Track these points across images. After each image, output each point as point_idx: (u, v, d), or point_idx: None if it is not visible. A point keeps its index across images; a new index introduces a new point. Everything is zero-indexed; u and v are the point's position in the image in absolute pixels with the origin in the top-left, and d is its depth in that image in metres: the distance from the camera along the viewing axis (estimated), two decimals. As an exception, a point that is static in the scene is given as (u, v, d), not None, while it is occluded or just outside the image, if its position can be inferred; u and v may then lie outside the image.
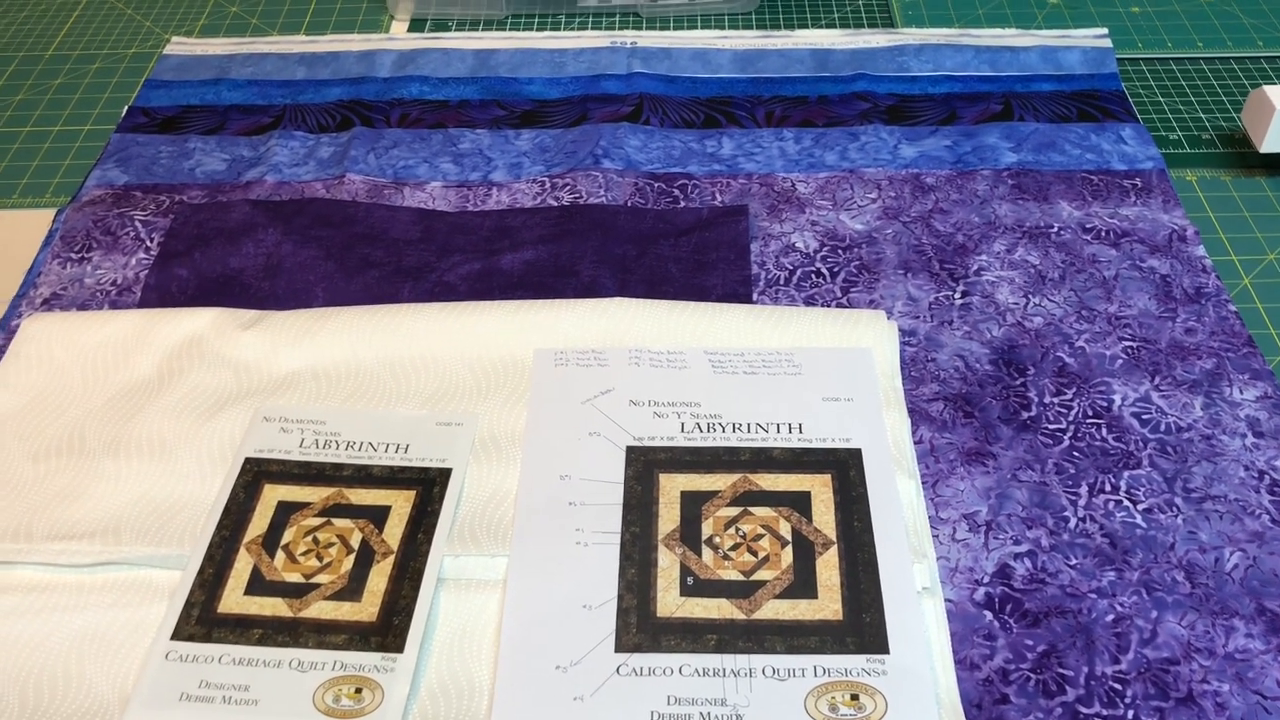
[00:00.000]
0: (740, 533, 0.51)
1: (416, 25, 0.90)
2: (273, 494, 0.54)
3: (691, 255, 0.67)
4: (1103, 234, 0.68)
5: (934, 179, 0.72)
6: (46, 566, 0.51)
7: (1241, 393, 0.59)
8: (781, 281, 0.66)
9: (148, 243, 0.69)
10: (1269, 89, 0.71)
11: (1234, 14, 0.88)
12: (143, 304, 0.65)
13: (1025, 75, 0.81)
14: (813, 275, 0.66)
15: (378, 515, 0.53)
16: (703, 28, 0.89)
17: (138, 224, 0.70)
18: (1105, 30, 0.85)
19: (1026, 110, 0.77)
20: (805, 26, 0.89)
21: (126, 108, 0.81)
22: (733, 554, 0.50)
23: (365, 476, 0.54)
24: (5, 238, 0.71)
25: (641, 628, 0.48)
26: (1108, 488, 0.55)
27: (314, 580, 0.50)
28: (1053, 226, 0.68)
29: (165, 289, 0.66)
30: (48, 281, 0.67)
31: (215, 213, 0.70)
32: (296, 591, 0.50)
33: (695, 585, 0.49)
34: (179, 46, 0.87)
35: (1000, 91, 0.79)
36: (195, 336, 0.61)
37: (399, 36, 0.87)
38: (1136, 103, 0.79)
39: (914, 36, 0.85)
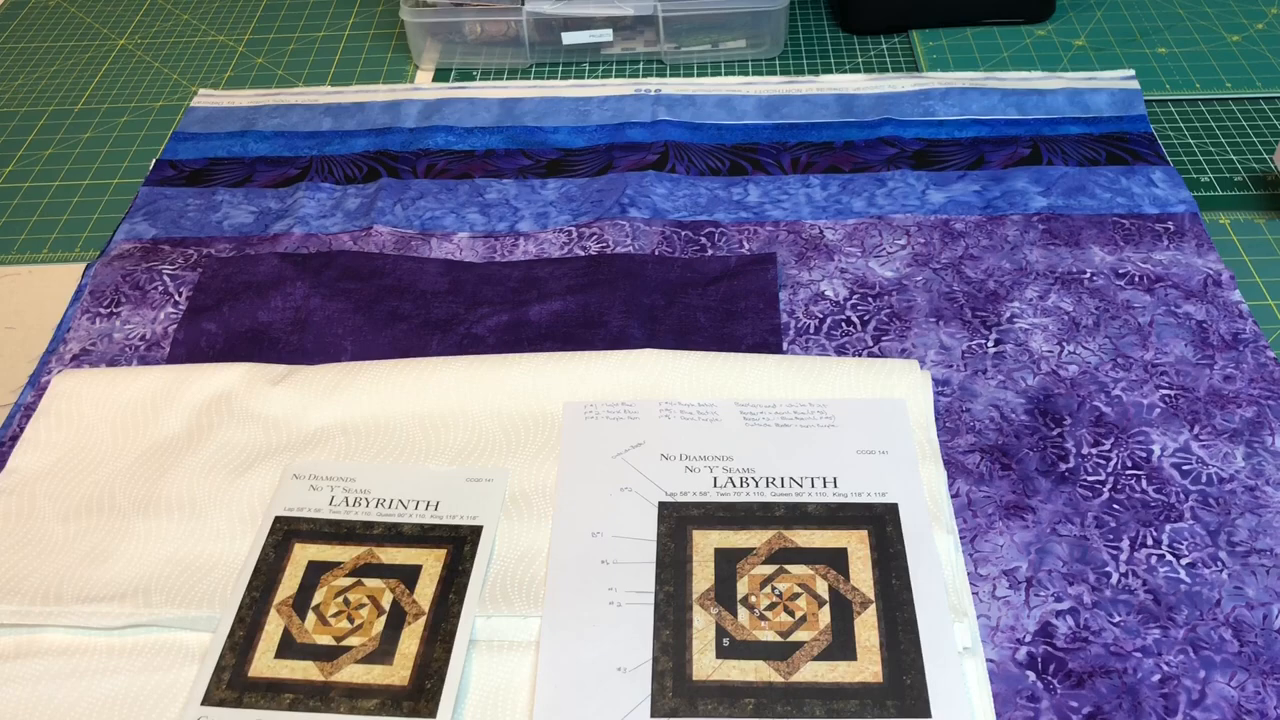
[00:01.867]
0: (776, 592, 0.50)
1: (441, 75, 0.90)
2: (303, 553, 0.53)
3: (720, 304, 0.67)
4: (1136, 279, 0.67)
5: (963, 224, 0.71)
6: (76, 629, 0.51)
7: (1284, 442, 0.58)
8: (812, 330, 0.65)
9: (176, 297, 0.69)
10: (1302, 131, 0.70)
11: (1262, 54, 0.87)
12: (171, 358, 0.65)
13: (1052, 118, 0.80)
14: (843, 323, 0.65)
15: (408, 575, 0.52)
16: (726, 74, 0.89)
17: (166, 278, 0.70)
18: (1132, 72, 0.84)
19: (1055, 154, 0.77)
20: (829, 72, 0.89)
21: (154, 161, 0.81)
22: (769, 614, 0.50)
23: (396, 535, 0.54)
24: (36, 293, 0.71)
25: (678, 691, 0.47)
26: (1149, 541, 0.53)
27: (345, 643, 0.49)
28: (1085, 272, 0.67)
29: (194, 343, 0.66)
30: (77, 337, 0.67)
31: (243, 266, 0.70)
32: (328, 654, 0.49)
33: (731, 647, 0.48)
34: (205, 99, 0.88)
35: (1028, 135, 0.79)
36: (224, 392, 0.61)
37: (424, 86, 0.88)
38: (1165, 145, 0.79)
39: (939, 80, 0.84)
